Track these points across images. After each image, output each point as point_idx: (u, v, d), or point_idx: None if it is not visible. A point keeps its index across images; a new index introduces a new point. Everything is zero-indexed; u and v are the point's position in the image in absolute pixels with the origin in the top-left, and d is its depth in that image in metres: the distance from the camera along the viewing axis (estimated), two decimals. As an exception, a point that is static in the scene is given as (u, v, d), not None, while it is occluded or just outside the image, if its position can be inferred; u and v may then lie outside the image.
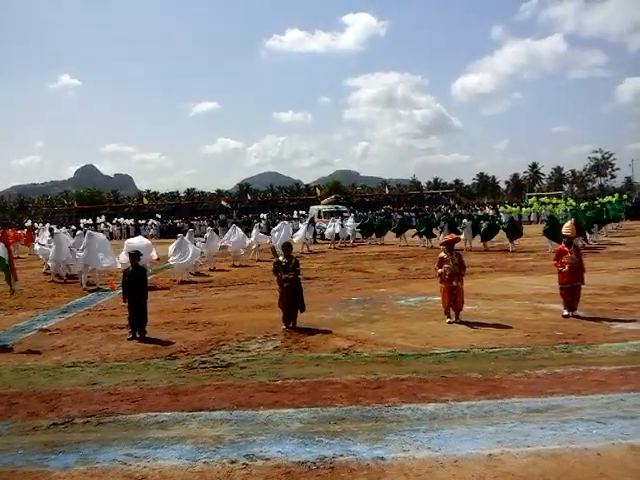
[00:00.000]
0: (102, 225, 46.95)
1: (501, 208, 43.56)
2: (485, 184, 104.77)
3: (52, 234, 18.28)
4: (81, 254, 14.43)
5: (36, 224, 42.11)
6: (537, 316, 8.82)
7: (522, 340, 7.32)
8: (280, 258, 8.65)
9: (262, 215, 45.84)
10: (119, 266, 14.08)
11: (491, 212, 42.84)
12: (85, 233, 15.84)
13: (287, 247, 8.90)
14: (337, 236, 27.04)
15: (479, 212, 41.07)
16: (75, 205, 67.40)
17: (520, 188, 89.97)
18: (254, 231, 21.53)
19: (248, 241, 20.40)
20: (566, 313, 8.57)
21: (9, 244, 10.83)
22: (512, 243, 20.56)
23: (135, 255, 8.66)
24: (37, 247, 21.97)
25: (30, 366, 7.03)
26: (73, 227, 35.60)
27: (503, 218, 37.19)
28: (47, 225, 28.76)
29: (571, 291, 8.59)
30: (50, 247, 17.04)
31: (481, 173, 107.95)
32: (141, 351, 7.61)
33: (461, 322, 8.45)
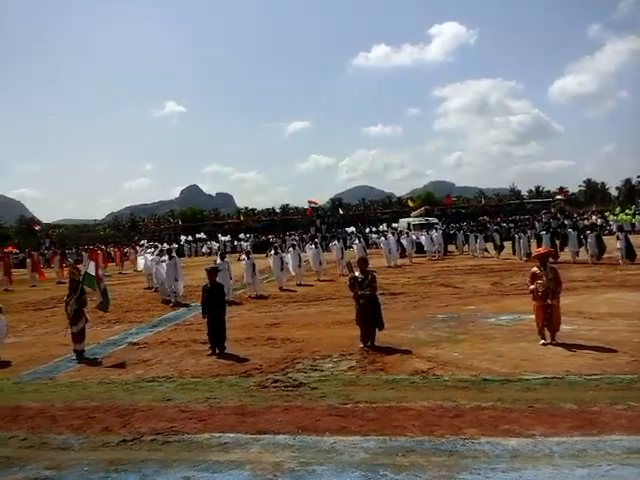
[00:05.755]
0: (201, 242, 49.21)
1: (610, 216, 40.17)
2: (593, 191, 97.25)
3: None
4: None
5: (143, 241, 45.04)
6: (648, 338, 7.77)
7: (628, 366, 6.44)
8: (356, 274, 8.35)
9: (351, 229, 45.84)
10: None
11: (599, 221, 39.60)
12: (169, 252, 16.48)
13: (362, 262, 8.57)
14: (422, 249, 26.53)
15: (585, 221, 38.06)
16: (180, 223, 71.34)
17: (634, 194, 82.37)
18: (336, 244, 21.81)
19: (325, 256, 20.61)
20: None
21: (99, 263, 11.49)
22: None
23: (213, 271, 8.78)
24: (141, 264, 23.00)
25: (113, 380, 7.29)
26: (175, 244, 37.71)
27: (614, 227, 34.23)
28: (150, 243, 30.31)
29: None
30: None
31: (588, 179, 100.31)
32: (218, 367, 7.64)
33: (557, 344, 7.65)
